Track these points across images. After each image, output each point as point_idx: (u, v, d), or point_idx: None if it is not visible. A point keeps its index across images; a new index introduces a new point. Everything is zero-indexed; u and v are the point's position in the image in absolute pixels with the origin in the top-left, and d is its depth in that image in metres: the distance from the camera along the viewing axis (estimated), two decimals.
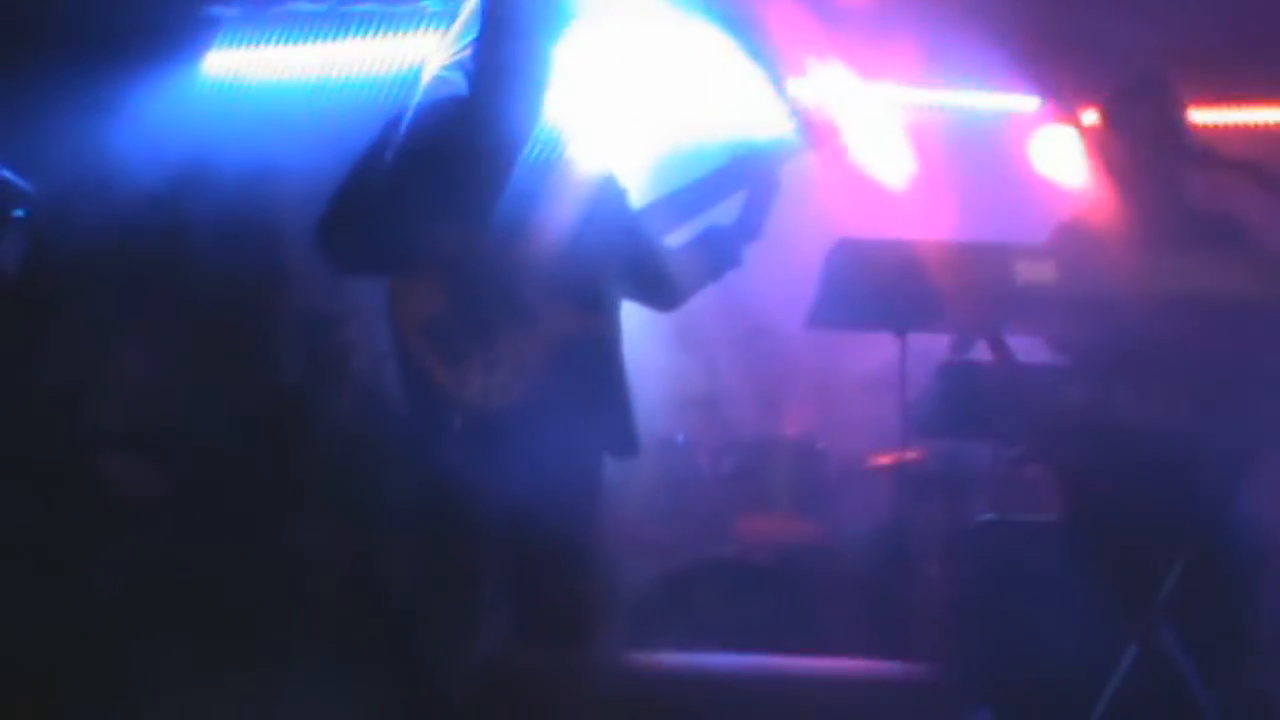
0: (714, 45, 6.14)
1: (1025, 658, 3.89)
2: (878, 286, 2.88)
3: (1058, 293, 2.86)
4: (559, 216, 3.82)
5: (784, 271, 3.14)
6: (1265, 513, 4.25)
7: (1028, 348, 3.34)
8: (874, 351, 4.84)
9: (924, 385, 3.06)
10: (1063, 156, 6.30)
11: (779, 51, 6.19)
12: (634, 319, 4.11)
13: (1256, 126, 6.99)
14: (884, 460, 5.67)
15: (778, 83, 6.15)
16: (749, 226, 3.90)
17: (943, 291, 2.85)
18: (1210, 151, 3.83)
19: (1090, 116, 4.30)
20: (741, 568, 5.55)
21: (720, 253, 3.93)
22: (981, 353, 3.31)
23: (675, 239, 3.99)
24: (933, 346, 3.47)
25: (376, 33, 6.18)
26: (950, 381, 2.96)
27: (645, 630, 5.17)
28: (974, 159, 6.41)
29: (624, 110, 5.96)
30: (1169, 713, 3.45)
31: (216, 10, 6.09)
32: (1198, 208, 4.12)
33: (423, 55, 6.04)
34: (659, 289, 3.98)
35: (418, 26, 6.08)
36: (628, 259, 3.86)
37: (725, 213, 3.95)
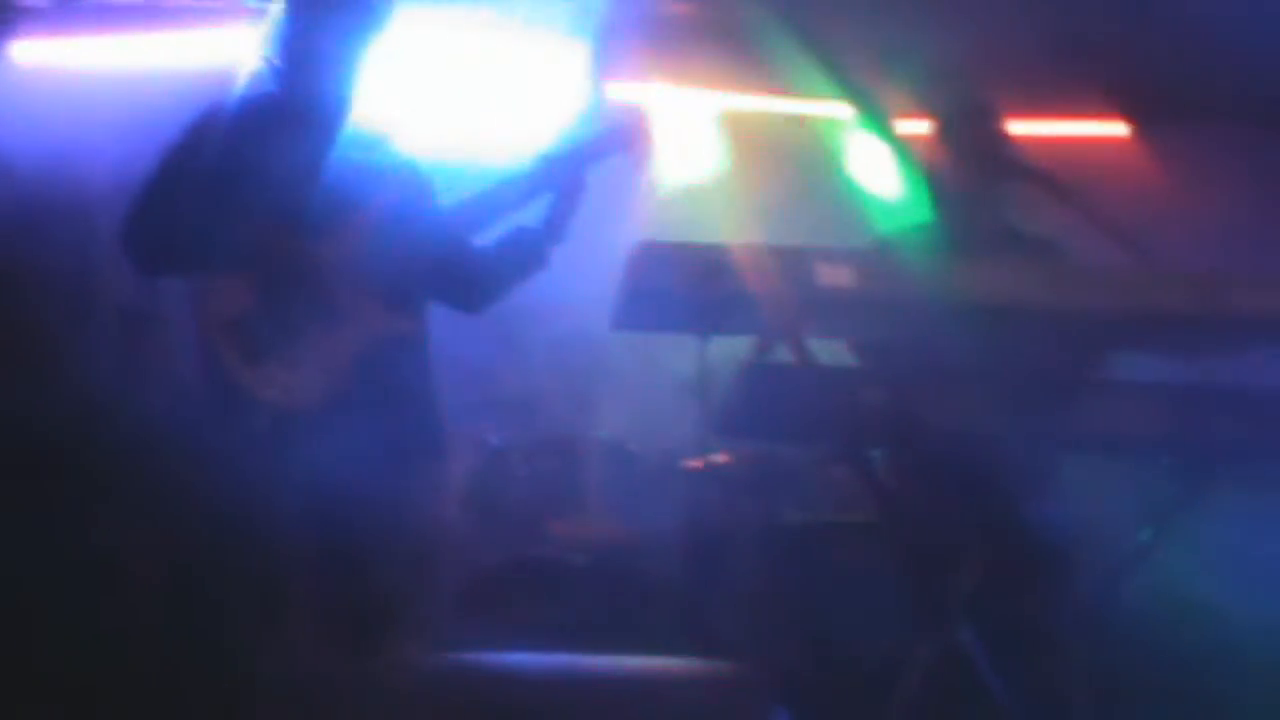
0: (528, 45, 6.17)
1: (829, 656, 3.96)
2: (680, 289, 2.90)
3: (857, 296, 2.91)
4: (369, 214, 3.81)
5: (599, 273, 3.15)
6: (1064, 515, 4.40)
7: (834, 351, 3.41)
8: (687, 353, 4.90)
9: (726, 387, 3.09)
10: (875, 164, 6.42)
11: (594, 53, 6.25)
12: (445, 319, 4.11)
13: (1055, 139, 7.21)
14: (695, 462, 5.72)
15: (591, 83, 6.21)
16: (555, 228, 3.92)
17: (744, 294, 2.89)
18: (1019, 163, 3.95)
19: (909, 127, 4.39)
20: (555, 568, 5.56)
21: (527, 254, 3.94)
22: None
23: (482, 239, 3.99)
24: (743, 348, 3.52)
25: (192, 25, 6.11)
26: (751, 383, 2.99)
27: (457, 632, 5.15)
28: (788, 164, 6.53)
29: (435, 108, 5.97)
30: (966, 709, 3.54)
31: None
32: (1015, 225, 4.23)
33: (238, 50, 5.98)
34: (466, 289, 3.98)
35: (234, 20, 6.02)
36: (436, 258, 3.85)
37: (532, 214, 3.97)
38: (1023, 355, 3.08)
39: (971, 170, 4.12)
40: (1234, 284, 3.15)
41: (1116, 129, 7.63)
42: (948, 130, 4.24)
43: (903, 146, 4.42)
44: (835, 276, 2.91)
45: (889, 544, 3.84)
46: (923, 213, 4.23)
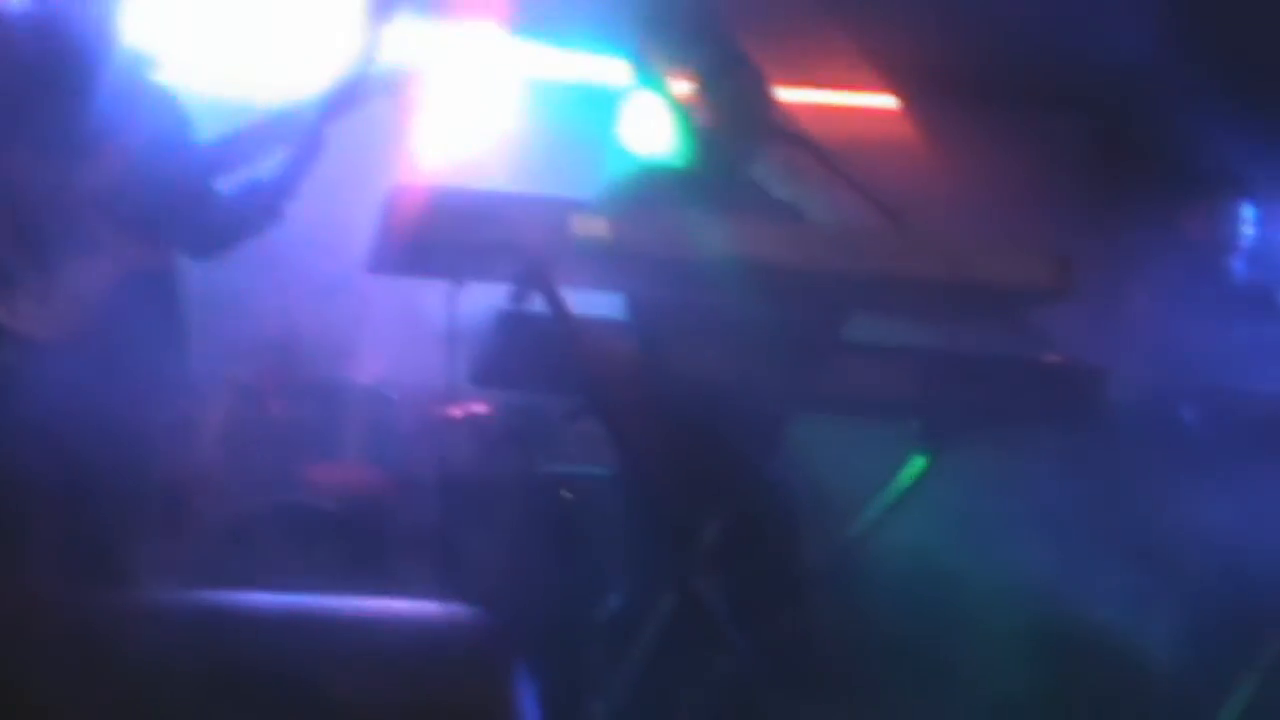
0: None
1: (572, 605, 4.00)
2: (435, 233, 2.88)
3: (612, 249, 2.93)
4: (127, 145, 3.71)
5: (365, 216, 3.11)
6: (806, 471, 4.49)
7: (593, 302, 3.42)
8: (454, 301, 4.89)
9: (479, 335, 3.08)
10: (650, 123, 6.45)
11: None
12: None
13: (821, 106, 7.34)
14: (455, 412, 5.71)
15: (369, 27, 6.11)
16: (289, 185, 3.85)
17: (499, 241, 2.88)
18: (779, 126, 4.00)
19: (679, 86, 4.41)
20: (307, 512, 5.51)
21: (261, 208, 3.86)
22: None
23: (221, 185, 3.89)
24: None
25: None
26: (505, 332, 2.99)
27: (206, 573, 5.08)
28: (562, 119, 6.53)
29: (204, 40, 5.83)
30: (705, 658, 3.60)
31: None
32: (768, 186, 4.30)
33: None
34: (200, 234, 3.88)
35: None
36: (182, 196, 3.76)
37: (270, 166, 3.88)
38: (772, 313, 3.12)
39: (727, 126, 4.17)
40: (980, 252, 3.23)
41: (885, 101, 7.79)
42: (708, 85, 4.28)
43: (676, 104, 4.43)
44: (591, 227, 2.91)
45: (635, 496, 3.88)
46: (679, 165, 4.28)
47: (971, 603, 4.82)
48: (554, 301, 3.03)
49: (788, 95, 7.14)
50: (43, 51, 3.65)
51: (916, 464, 3.58)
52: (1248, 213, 5.77)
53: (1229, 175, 5.82)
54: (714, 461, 3.43)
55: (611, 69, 6.81)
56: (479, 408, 5.73)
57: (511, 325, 3.00)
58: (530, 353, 3.02)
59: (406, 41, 6.20)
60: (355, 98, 3.91)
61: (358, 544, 5.38)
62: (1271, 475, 4.62)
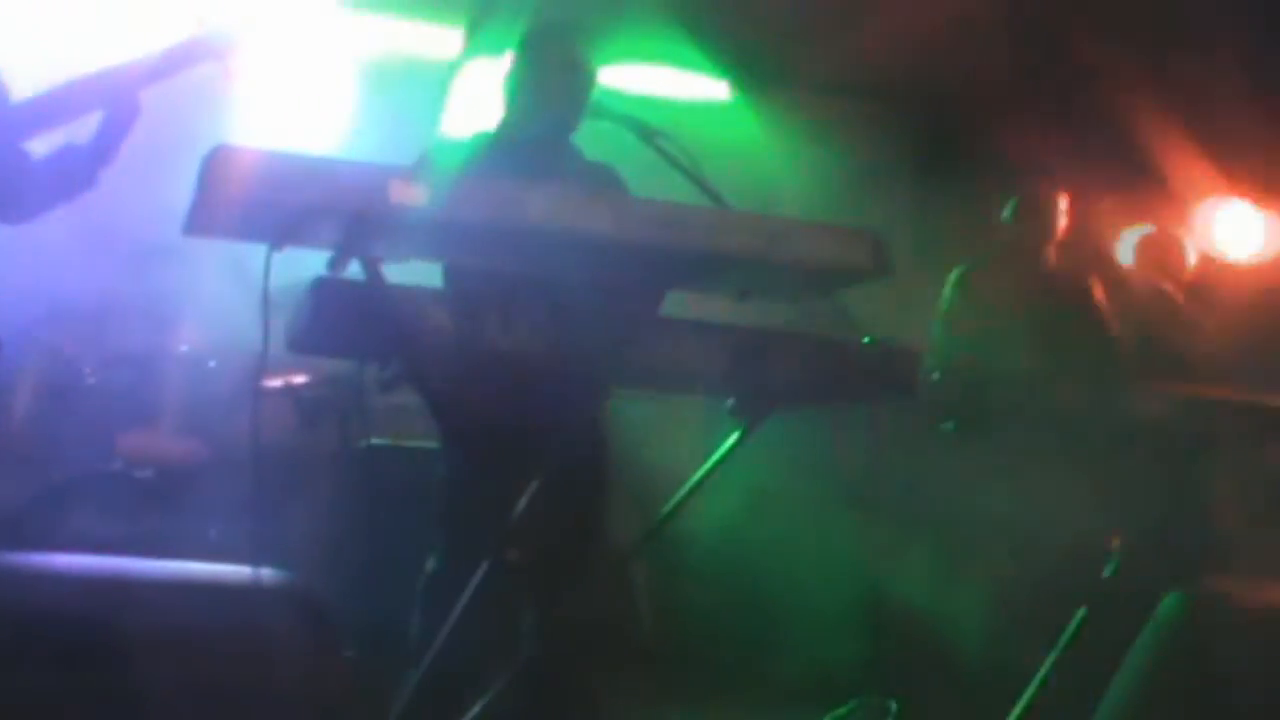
0: None
1: (387, 573, 4.00)
2: (252, 196, 2.86)
3: (428, 216, 2.92)
4: None
5: (184, 183, 3.06)
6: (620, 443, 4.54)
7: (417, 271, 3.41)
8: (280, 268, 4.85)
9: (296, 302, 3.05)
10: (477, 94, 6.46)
11: None
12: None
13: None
14: (274, 382, 5.66)
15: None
16: (103, 149, 3.79)
17: (317, 205, 2.86)
18: (597, 102, 4.02)
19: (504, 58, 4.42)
20: (123, 482, 5.44)
21: (73, 174, 3.80)
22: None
23: (33, 150, 3.82)
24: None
25: None
26: (321, 299, 2.95)
27: (21, 543, 4.99)
28: (392, 94, 6.51)
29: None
30: (515, 627, 3.63)
31: None
32: (581, 156, 4.32)
33: None
34: (11, 198, 3.80)
35: None
36: None
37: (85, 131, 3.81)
38: (590, 285, 3.14)
39: (542, 96, 4.19)
40: (796, 231, 3.27)
41: (718, 89, 7.87)
42: (529, 53, 4.29)
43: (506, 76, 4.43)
44: (408, 194, 2.90)
45: (450, 465, 3.88)
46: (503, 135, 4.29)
47: (782, 578, 4.91)
48: (370, 268, 3.02)
49: (622, 78, 7.26)
50: None
51: (729, 439, 3.63)
52: (1061, 203, 5.92)
53: (1044, 167, 5.97)
54: (528, 433, 3.44)
55: (441, 42, 6.80)
56: (298, 377, 5.70)
57: (327, 292, 2.97)
58: (346, 320, 2.99)
59: (232, 6, 6.15)
60: (177, 62, 3.86)
61: (174, 513, 5.32)
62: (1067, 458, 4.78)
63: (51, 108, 3.78)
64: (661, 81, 7.59)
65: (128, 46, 5.29)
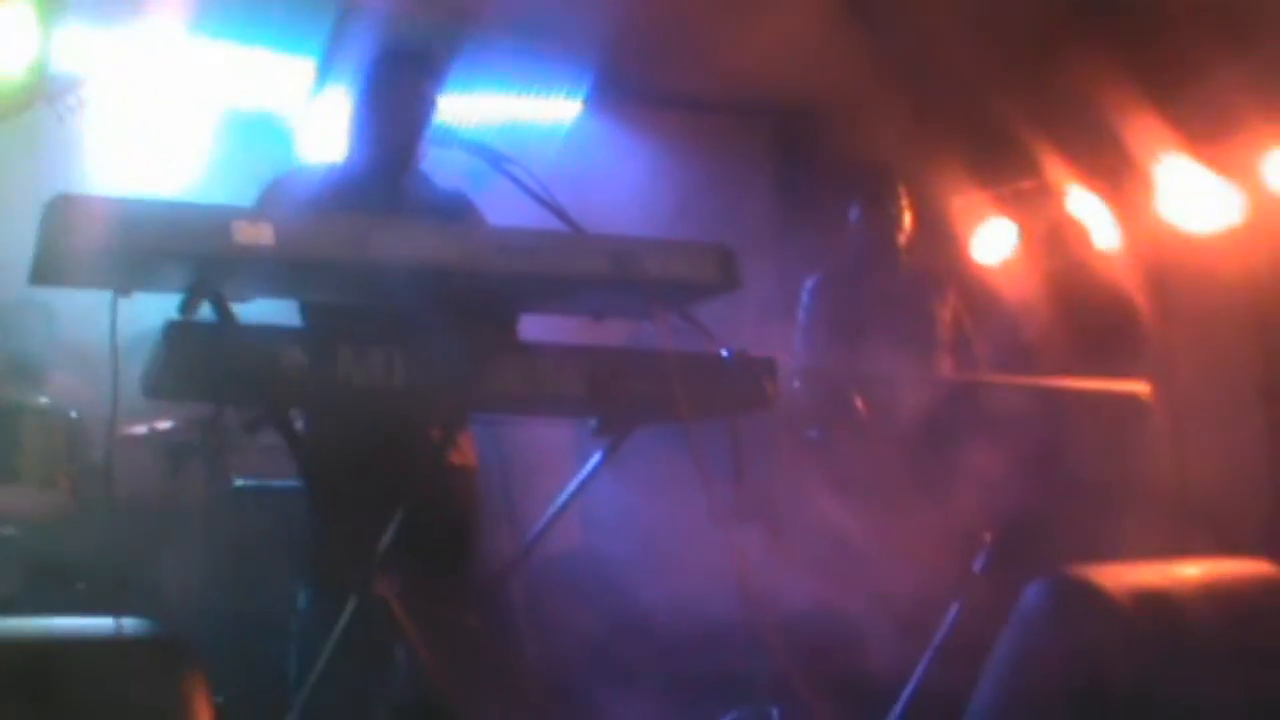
0: None
1: (253, 613, 3.98)
2: (97, 244, 2.84)
3: (276, 254, 2.92)
4: None
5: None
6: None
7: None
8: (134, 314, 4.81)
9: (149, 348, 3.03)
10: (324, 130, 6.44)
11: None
12: None
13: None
14: (139, 428, 5.61)
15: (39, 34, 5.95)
16: None
17: (162, 250, 2.85)
18: (446, 130, 4.03)
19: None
20: None
21: None
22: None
23: None
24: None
25: None
26: (173, 342, 2.94)
27: None
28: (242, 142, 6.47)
29: None
30: (389, 660, 3.63)
31: None
32: (432, 184, 4.33)
33: None
34: None
35: None
36: None
37: None
38: (441, 315, 3.15)
39: (388, 122, 4.19)
40: (645, 249, 3.31)
41: (569, 110, 7.90)
42: (367, 82, 4.30)
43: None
44: (254, 234, 2.90)
45: (314, 501, 3.87)
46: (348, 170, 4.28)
47: (657, 595, 4.93)
48: (221, 310, 3.01)
49: (471, 102, 7.27)
50: None
51: (594, 459, 3.66)
52: (908, 207, 6.00)
53: (892, 173, 6.05)
54: (389, 464, 3.45)
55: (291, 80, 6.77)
56: (162, 423, 5.64)
57: (179, 336, 2.96)
58: (200, 364, 2.98)
59: (77, 48, 6.09)
60: (19, 103, 3.84)
61: (41, 568, 5.25)
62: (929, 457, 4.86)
63: None
64: (512, 106, 7.61)
65: None
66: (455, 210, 4.23)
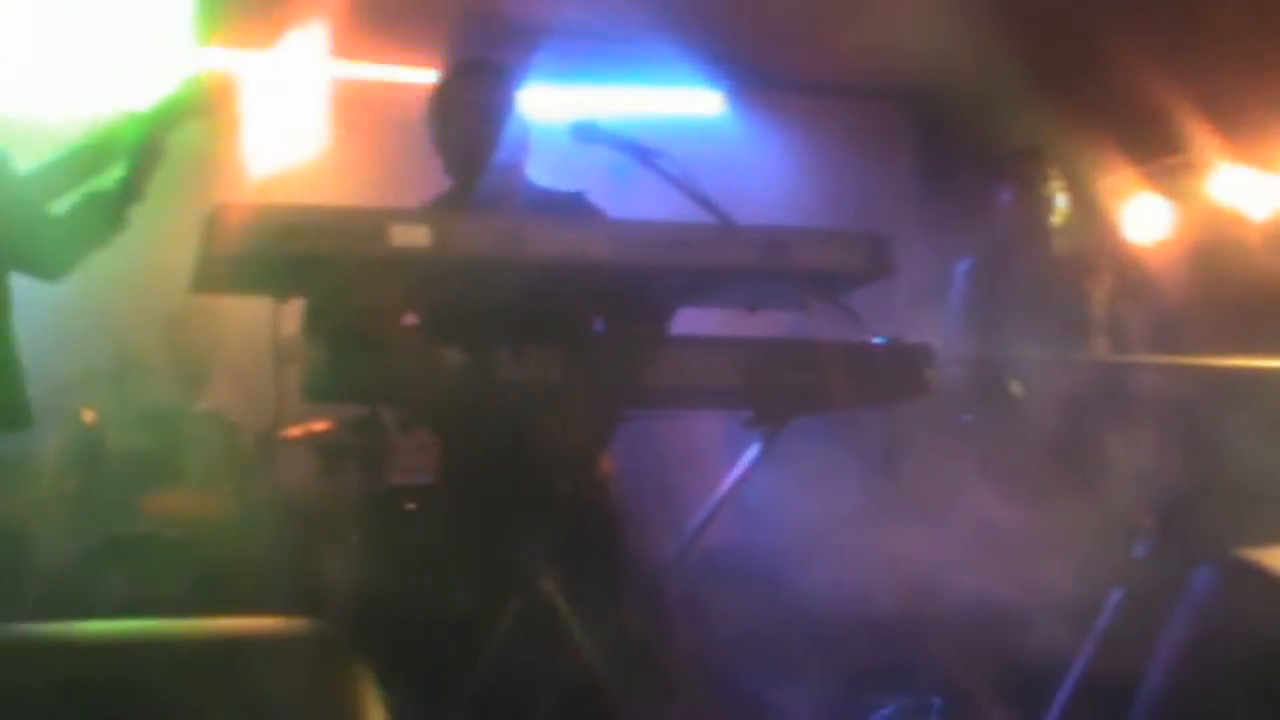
0: (125, 4, 6.00)
1: (421, 614, 4.00)
2: (257, 251, 2.88)
3: (432, 255, 2.94)
4: None
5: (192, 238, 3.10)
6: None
7: None
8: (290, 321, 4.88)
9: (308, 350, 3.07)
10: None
11: (193, 15, 6.13)
12: (35, 287, 4.00)
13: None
14: (295, 432, 5.70)
15: (187, 46, 6.08)
16: (132, 191, 3.86)
17: (320, 256, 2.89)
18: (591, 127, 4.01)
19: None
20: (151, 543, 5.47)
21: (104, 218, 3.87)
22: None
23: (62, 204, 3.90)
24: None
25: None
26: (335, 346, 2.98)
27: (51, 611, 5.02)
28: (384, 133, 6.53)
29: (25, 63, 5.77)
30: (554, 655, 3.63)
31: None
32: (539, 188, 4.31)
33: None
34: (43, 257, 3.89)
35: None
36: (12, 225, 3.75)
37: (110, 177, 3.90)
38: (595, 310, 3.16)
39: (485, 127, 4.18)
40: (794, 238, 3.28)
41: (711, 102, 7.90)
42: (458, 85, 4.30)
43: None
44: (411, 236, 2.93)
45: (471, 501, 3.89)
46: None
47: (815, 586, 4.91)
48: (379, 312, 3.04)
49: (612, 100, 7.30)
50: None
51: (751, 452, 3.64)
52: (1059, 187, 5.91)
53: (1041, 153, 5.95)
54: (541, 462, 3.46)
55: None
56: (319, 425, 5.73)
57: (339, 339, 3.00)
58: (359, 366, 3.02)
59: (223, 60, 6.22)
60: (185, 111, 3.93)
61: (201, 571, 5.34)
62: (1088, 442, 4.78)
63: (67, 169, 3.86)
64: (653, 100, 7.63)
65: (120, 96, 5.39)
66: (571, 212, 4.21)
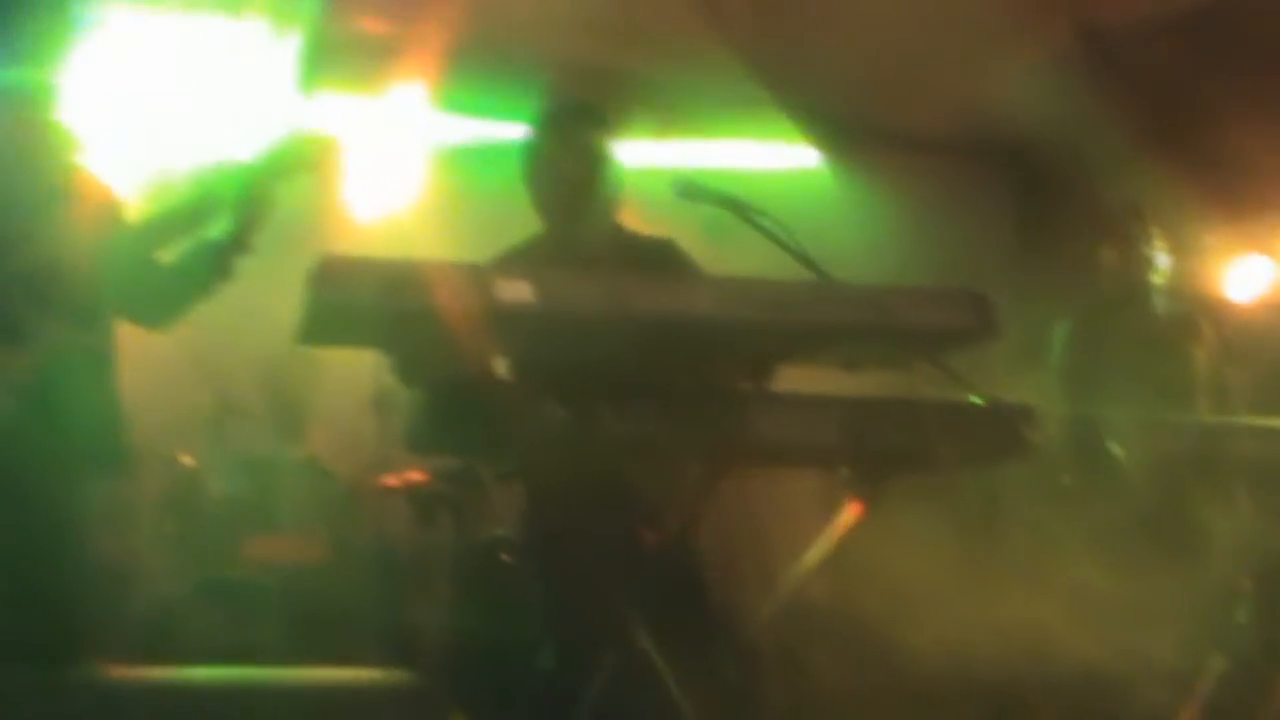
0: (232, 54, 6.10)
1: (514, 665, 4.01)
2: (362, 303, 2.91)
3: (537, 311, 2.96)
4: (53, 228, 3.74)
5: (295, 291, 3.13)
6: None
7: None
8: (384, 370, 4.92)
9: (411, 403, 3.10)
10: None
11: (298, 68, 6.22)
12: (136, 335, 4.05)
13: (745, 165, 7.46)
14: (391, 481, 5.73)
15: (292, 98, 6.16)
16: (240, 241, 3.91)
17: (426, 309, 2.91)
18: (693, 184, 4.02)
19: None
20: (247, 588, 5.51)
21: (211, 267, 3.91)
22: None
23: (167, 254, 3.95)
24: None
25: None
26: (438, 398, 3.01)
27: (148, 654, 5.07)
28: (485, 186, 6.58)
29: (134, 116, 5.87)
30: (648, 711, 3.62)
31: None
32: (631, 234, 4.31)
33: None
34: (150, 305, 3.94)
35: None
36: (120, 274, 3.81)
37: (218, 227, 3.94)
38: (696, 367, 3.16)
39: (583, 170, 4.18)
40: (898, 297, 3.27)
41: (806, 155, 7.90)
42: (552, 132, 4.28)
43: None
44: (516, 292, 2.95)
45: (566, 555, 3.89)
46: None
47: (915, 647, 4.85)
48: (483, 366, 3.06)
49: (709, 152, 7.32)
50: None
51: (848, 512, 3.62)
52: (1161, 246, 5.86)
53: (1143, 212, 5.91)
54: (640, 517, 3.46)
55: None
56: (415, 475, 5.76)
57: (443, 391, 3.02)
58: (463, 418, 3.04)
59: (329, 112, 6.29)
60: (293, 165, 3.98)
61: (297, 618, 5.38)
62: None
63: (185, 212, 3.92)
64: (749, 153, 7.64)
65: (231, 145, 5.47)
66: (661, 260, 4.21)
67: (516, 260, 4.16)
